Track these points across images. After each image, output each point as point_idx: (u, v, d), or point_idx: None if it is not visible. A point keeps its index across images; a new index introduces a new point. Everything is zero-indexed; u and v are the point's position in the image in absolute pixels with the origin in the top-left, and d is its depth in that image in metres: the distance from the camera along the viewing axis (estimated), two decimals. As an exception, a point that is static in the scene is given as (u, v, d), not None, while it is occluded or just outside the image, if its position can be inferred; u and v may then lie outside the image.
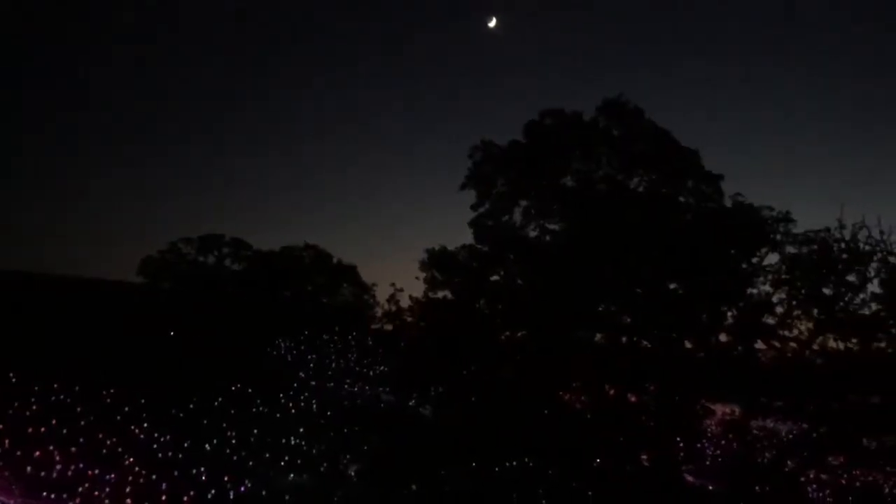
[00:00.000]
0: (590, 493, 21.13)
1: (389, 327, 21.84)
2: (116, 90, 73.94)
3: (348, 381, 24.54)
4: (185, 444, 19.70)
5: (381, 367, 23.61)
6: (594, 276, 21.57)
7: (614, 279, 21.66)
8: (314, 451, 21.73)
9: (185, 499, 17.29)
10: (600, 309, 22.63)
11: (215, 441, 20.21)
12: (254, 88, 78.91)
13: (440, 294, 21.86)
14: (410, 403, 20.41)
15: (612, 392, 21.22)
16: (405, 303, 22.23)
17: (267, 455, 20.65)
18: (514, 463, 19.93)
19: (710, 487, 20.72)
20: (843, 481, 28.32)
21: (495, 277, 23.68)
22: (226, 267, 38.55)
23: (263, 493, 19.40)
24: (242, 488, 18.51)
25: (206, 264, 38.31)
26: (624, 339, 22.34)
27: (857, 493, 24.99)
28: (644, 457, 19.83)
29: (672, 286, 21.67)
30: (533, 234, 24.18)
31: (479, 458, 19.74)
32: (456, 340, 19.96)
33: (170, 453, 18.55)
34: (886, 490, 27.06)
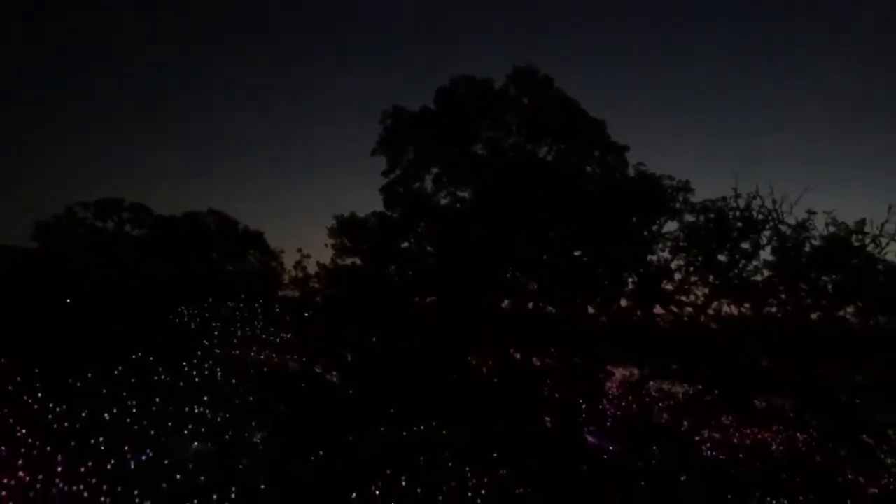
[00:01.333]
0: (494, 454, 21.58)
1: (297, 294, 21.53)
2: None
3: (255, 348, 24.15)
4: (83, 415, 19.05)
5: (289, 335, 23.31)
6: (503, 244, 21.79)
7: (522, 246, 21.94)
8: (219, 420, 21.36)
9: (83, 469, 16.73)
10: (508, 276, 22.91)
11: (115, 410, 19.59)
12: (154, 48, 75.83)
13: (349, 261, 21.68)
14: (318, 370, 20.26)
15: (517, 356, 21.59)
16: (313, 269, 21.96)
17: (169, 424, 20.16)
18: (422, 427, 20.12)
19: (611, 448, 21.48)
20: (735, 440, 29.95)
21: (405, 244, 23.64)
22: (126, 233, 37.14)
23: (166, 462, 18.96)
24: (143, 457, 18.04)
25: (104, 230, 36.81)
26: (530, 305, 22.72)
27: (748, 450, 26.51)
28: (547, 419, 20.29)
29: (577, 253, 22.12)
30: (444, 201, 24.22)
31: (387, 423, 19.82)
32: (364, 307, 19.86)
33: (66, 424, 17.89)
34: (774, 447, 28.81)
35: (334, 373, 20.12)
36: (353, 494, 20.73)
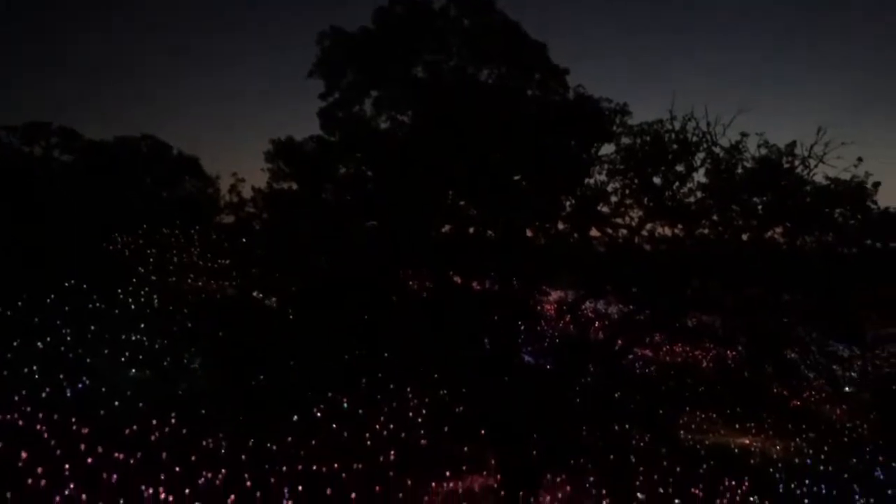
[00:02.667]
0: (435, 376, 21.99)
1: (232, 219, 21.14)
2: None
3: (192, 275, 23.88)
4: (14, 344, 18.71)
5: (226, 260, 23.06)
6: (443, 168, 21.66)
7: (462, 171, 21.84)
8: (157, 347, 21.23)
9: (17, 399, 16.52)
10: (448, 200, 22.84)
11: (48, 339, 19.28)
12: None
13: (285, 185, 21.29)
14: (255, 294, 20.15)
15: (457, 280, 21.74)
16: (248, 194, 21.51)
17: (106, 351, 19.96)
18: (363, 350, 20.32)
19: (548, 367, 22.10)
20: (668, 358, 31.14)
21: (344, 169, 23.28)
22: (54, 158, 35.82)
23: (103, 389, 18.84)
24: (80, 385, 17.88)
25: (31, 155, 35.41)
26: (471, 229, 22.76)
27: (679, 367, 27.65)
28: (486, 341, 20.61)
29: (516, 177, 22.12)
30: (384, 125, 23.78)
31: (327, 346, 19.94)
32: (301, 231, 19.65)
33: (-3, 353, 17.62)
34: (704, 364, 30.12)
35: (273, 298, 20.03)
36: (295, 417, 21.01)
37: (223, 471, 17.88)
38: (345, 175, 22.82)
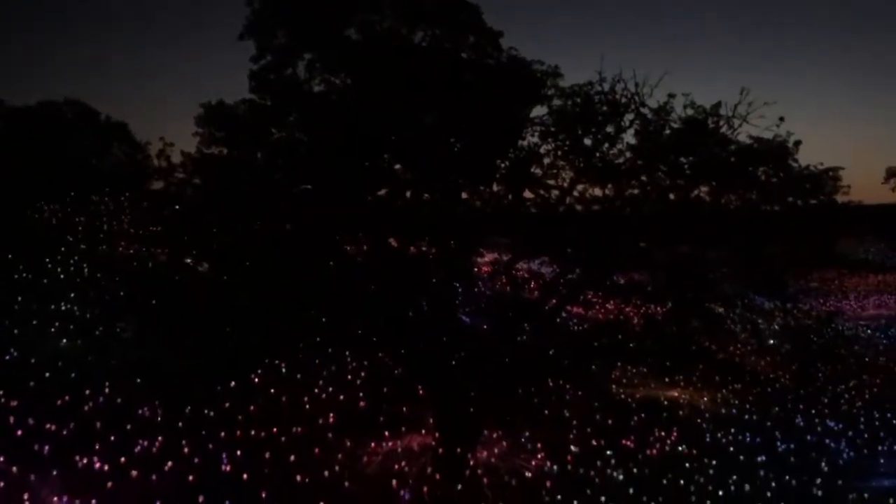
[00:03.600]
0: (374, 339, 22.12)
1: (162, 185, 20.73)
2: None
3: (122, 243, 23.42)
4: (-65, 316, 18.18)
5: (157, 227, 22.65)
6: (378, 131, 21.57)
7: (397, 134, 21.80)
8: (88, 316, 20.85)
9: (-62, 371, 16.09)
10: (384, 164, 22.81)
11: (-29, 310, 18.77)
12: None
13: (216, 150, 20.93)
14: (188, 262, 19.89)
15: (394, 244, 21.84)
16: (178, 159, 21.07)
17: (34, 322, 19.55)
18: (299, 315, 20.29)
19: (484, 326, 22.43)
20: (600, 315, 31.98)
21: (277, 133, 22.98)
22: (-28, 125, 34.46)
23: (32, 360, 18.51)
24: (7, 357, 17.52)
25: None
26: (407, 192, 22.81)
27: (611, 324, 28.33)
28: (424, 303, 20.82)
29: (451, 140, 22.19)
30: (317, 87, 23.48)
31: (263, 313, 19.84)
32: (233, 196, 19.42)
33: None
34: (635, 321, 31.00)
35: (205, 264, 19.80)
36: (233, 383, 20.96)
37: (160, 438, 17.82)
38: (277, 139, 22.57)
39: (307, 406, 21.56)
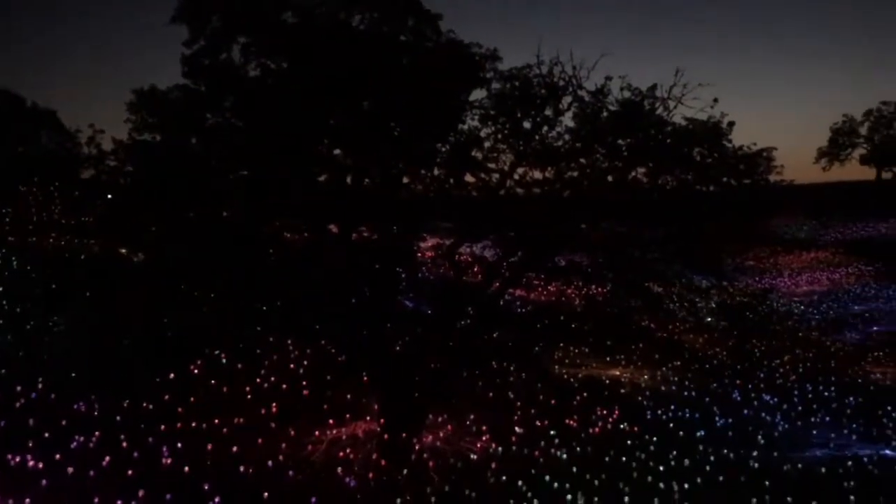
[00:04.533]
0: (317, 326, 21.95)
1: (93, 173, 20.10)
2: None
3: (53, 234, 22.66)
4: None
5: (89, 217, 22.01)
6: (316, 116, 21.28)
7: (336, 119, 21.53)
8: (18, 310, 20.21)
9: None
10: (323, 149, 22.52)
11: None
12: None
13: (149, 137, 20.36)
14: (123, 251, 19.40)
15: (335, 229, 21.63)
16: (109, 146, 20.43)
17: (-42, 317, 18.82)
18: (239, 302, 19.99)
19: (428, 311, 22.47)
20: (542, 297, 32.41)
21: (212, 119, 22.46)
22: None
23: (-42, 357, 17.80)
24: (-71, 354, 16.79)
25: None
26: (348, 178, 22.57)
27: (552, 305, 28.80)
28: (366, 289, 20.69)
29: (391, 124, 22.01)
30: (253, 72, 22.99)
31: (202, 300, 19.50)
32: (168, 183, 18.95)
33: None
34: (577, 301, 31.63)
35: (140, 254, 19.33)
36: (172, 375, 20.56)
37: (96, 433, 17.38)
38: (212, 125, 22.07)
39: (249, 396, 21.28)
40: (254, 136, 21.69)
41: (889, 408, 24.03)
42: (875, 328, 39.16)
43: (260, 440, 18.58)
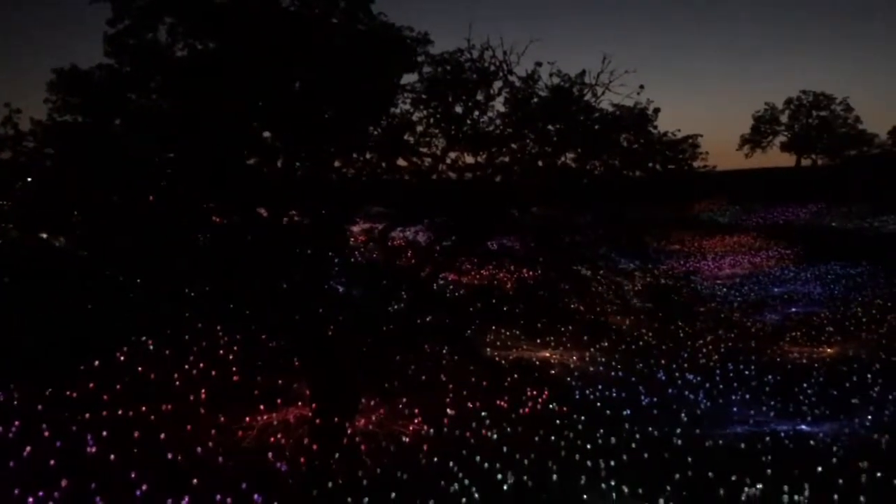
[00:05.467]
0: (247, 312, 21.65)
1: (8, 155, 19.32)
2: None
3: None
4: None
5: (6, 202, 21.15)
6: (246, 98, 20.92)
7: (266, 101, 21.20)
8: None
9: None
10: (252, 132, 22.17)
11: None
12: None
13: (70, 118, 19.69)
14: (43, 236, 18.75)
15: (265, 214, 21.37)
16: (26, 126, 19.67)
17: None
18: (166, 288, 19.61)
19: (360, 295, 22.39)
20: (475, 281, 32.68)
21: (137, 99, 21.85)
22: None
23: None
24: None
25: None
26: (279, 162, 22.30)
27: (485, 288, 29.09)
28: (297, 274, 20.52)
29: (323, 107, 21.82)
30: (180, 53, 22.43)
31: (128, 290, 19.06)
32: (91, 166, 18.39)
33: None
34: (509, 285, 31.93)
35: (62, 239, 18.74)
36: (97, 363, 20.07)
37: (17, 423, 16.89)
38: (137, 106, 21.48)
39: (178, 383, 20.95)
40: (181, 118, 21.22)
41: (804, 385, 25.09)
42: (793, 309, 40.67)
43: (189, 427, 18.35)
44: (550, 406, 22.34)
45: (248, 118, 21.56)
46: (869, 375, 25.62)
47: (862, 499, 15.39)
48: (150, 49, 21.91)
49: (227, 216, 22.14)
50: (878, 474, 16.70)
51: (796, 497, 15.84)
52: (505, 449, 18.46)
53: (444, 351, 24.99)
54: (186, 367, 21.79)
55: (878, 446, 18.83)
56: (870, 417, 21.43)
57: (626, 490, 16.21)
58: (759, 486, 16.39)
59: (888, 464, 17.25)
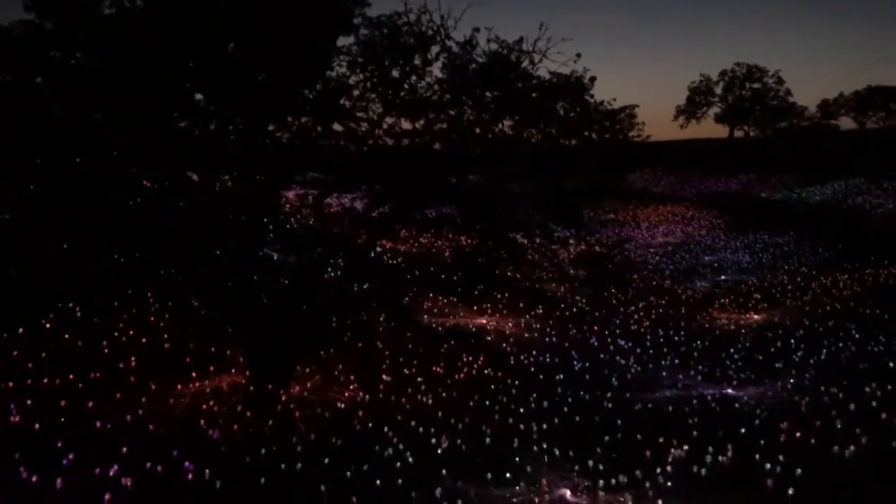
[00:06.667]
0: (180, 279, 21.22)
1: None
2: None
3: None
4: None
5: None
6: (177, 60, 20.29)
7: (199, 63, 20.63)
8: None
9: None
10: (184, 94, 21.57)
11: None
12: None
13: (-12, 75, 18.83)
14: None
15: (196, 178, 20.90)
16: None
17: None
18: (94, 253, 19.11)
19: (295, 262, 22.21)
20: (414, 248, 32.85)
21: (61, 57, 21.00)
22: None
23: None
24: None
25: None
26: (212, 126, 21.79)
27: (422, 256, 29.30)
28: (231, 240, 20.18)
29: (256, 68, 21.33)
30: (108, 10, 21.58)
31: (52, 254, 18.49)
32: (11, 126, 17.66)
33: None
34: (446, 252, 32.24)
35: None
36: (21, 330, 19.43)
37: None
38: (62, 64, 20.67)
39: (106, 350, 20.47)
40: (108, 78, 20.50)
41: (731, 350, 25.86)
42: (722, 277, 41.79)
43: (118, 395, 17.98)
44: (486, 372, 22.59)
45: (178, 79, 20.96)
46: (792, 341, 26.52)
47: (781, 458, 15.97)
48: (74, 5, 21.06)
49: (158, 180, 21.59)
50: (797, 434, 17.37)
51: (720, 458, 16.37)
52: (440, 414, 18.61)
53: (381, 318, 24.99)
54: (116, 334, 21.30)
55: (798, 408, 19.55)
56: (792, 381, 22.19)
57: (557, 452, 16.52)
58: (685, 447, 16.88)
59: (807, 424, 17.95)
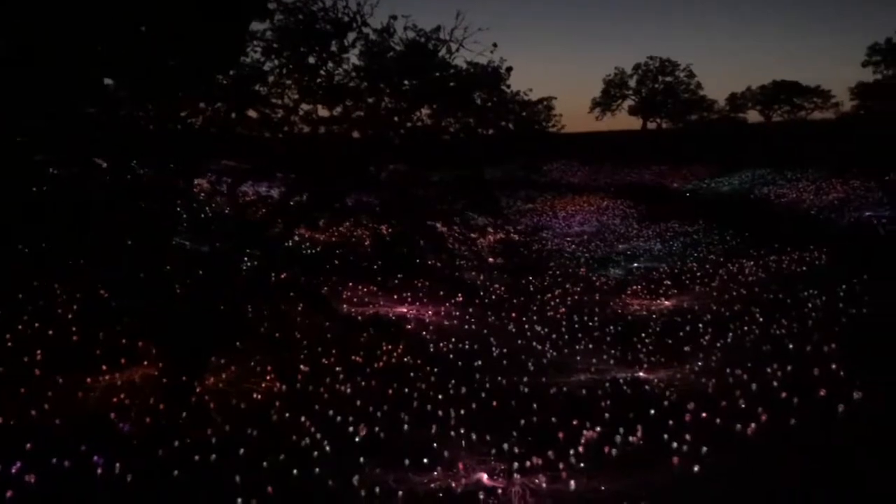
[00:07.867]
0: (89, 269, 20.53)
1: None
2: None
3: None
4: None
5: None
6: (85, 43, 19.55)
7: (110, 49, 19.92)
8: None
9: None
10: (94, 80, 20.80)
11: None
12: None
13: None
14: None
15: (105, 166, 20.21)
16: None
17: None
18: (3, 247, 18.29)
19: (209, 250, 21.76)
20: (333, 237, 32.63)
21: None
22: None
23: None
24: None
25: None
26: (122, 112, 21.09)
27: (342, 245, 29.19)
28: (141, 228, 19.62)
29: (168, 52, 20.75)
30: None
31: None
32: None
33: None
34: (366, 241, 32.13)
35: None
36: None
37: None
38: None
39: (10, 344, 19.66)
40: (9, 60, 19.60)
41: (643, 335, 26.68)
42: (635, 264, 42.90)
43: (22, 390, 17.31)
44: (405, 360, 22.68)
45: (85, 63, 20.21)
46: (700, 325, 27.50)
47: (688, 437, 16.60)
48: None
49: (65, 168, 20.80)
50: (703, 415, 18.07)
51: (630, 438, 16.92)
52: (358, 402, 18.63)
53: (299, 308, 24.75)
54: (20, 327, 20.46)
55: (705, 390, 20.33)
56: (699, 364, 23.03)
57: (474, 437, 16.78)
58: (598, 428, 17.38)
59: (712, 405, 18.69)
